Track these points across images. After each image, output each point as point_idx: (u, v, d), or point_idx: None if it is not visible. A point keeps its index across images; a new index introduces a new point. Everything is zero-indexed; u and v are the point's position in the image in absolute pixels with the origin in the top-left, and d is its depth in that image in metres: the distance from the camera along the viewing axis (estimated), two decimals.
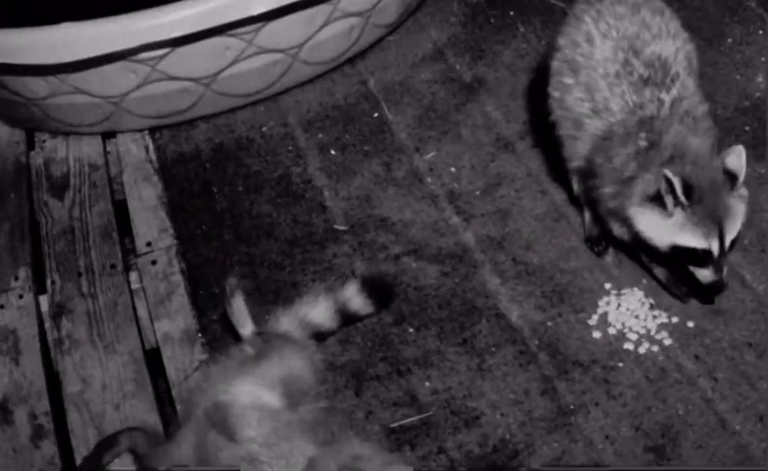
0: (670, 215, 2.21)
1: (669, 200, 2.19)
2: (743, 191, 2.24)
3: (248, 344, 2.23)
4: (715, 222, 2.20)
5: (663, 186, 2.18)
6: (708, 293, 2.36)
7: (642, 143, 2.27)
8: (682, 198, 2.16)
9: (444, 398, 2.30)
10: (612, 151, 2.32)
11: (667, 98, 2.30)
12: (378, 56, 3.35)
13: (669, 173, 2.15)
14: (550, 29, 3.34)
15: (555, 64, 2.51)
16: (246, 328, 2.28)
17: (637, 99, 2.31)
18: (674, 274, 2.42)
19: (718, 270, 2.24)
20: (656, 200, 2.22)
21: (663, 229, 2.23)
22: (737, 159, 2.21)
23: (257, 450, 1.98)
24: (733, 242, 2.25)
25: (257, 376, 2.11)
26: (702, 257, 2.23)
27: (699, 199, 2.18)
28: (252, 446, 1.98)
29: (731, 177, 2.20)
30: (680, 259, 2.28)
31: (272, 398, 2.08)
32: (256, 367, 2.14)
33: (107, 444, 2.25)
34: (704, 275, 2.26)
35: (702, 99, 2.37)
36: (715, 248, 2.22)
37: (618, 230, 2.44)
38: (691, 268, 2.28)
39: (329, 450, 1.99)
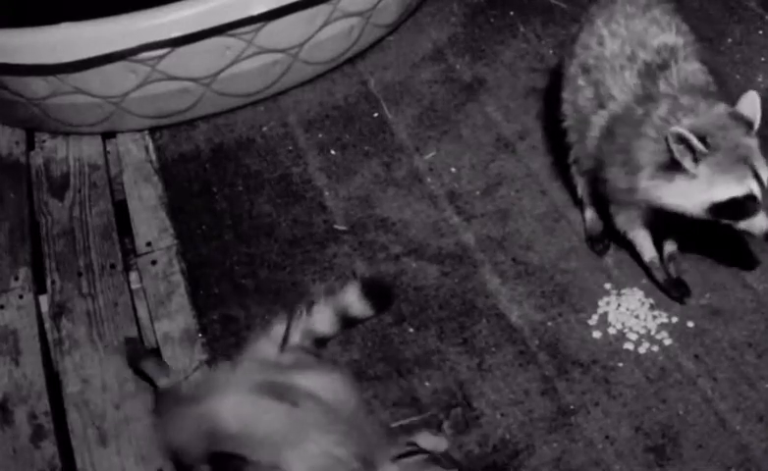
0: (693, 176, 2.10)
1: (687, 161, 2.09)
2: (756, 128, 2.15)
3: (290, 352, 2.25)
4: (745, 164, 2.08)
5: (676, 149, 2.07)
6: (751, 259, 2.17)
7: (638, 116, 2.25)
8: (701, 148, 2.04)
9: (444, 398, 2.30)
10: (616, 131, 2.31)
11: (668, 75, 2.29)
12: (378, 56, 3.35)
13: (680, 130, 2.05)
14: (550, 29, 3.35)
15: (571, 69, 2.51)
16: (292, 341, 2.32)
17: (639, 81, 2.31)
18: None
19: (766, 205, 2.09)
20: (673, 167, 2.12)
21: (693, 192, 2.12)
22: (750, 105, 2.13)
23: (318, 418, 1.99)
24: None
25: (308, 376, 2.14)
26: (746, 205, 2.10)
27: (717, 146, 2.07)
28: (313, 414, 1.99)
29: (746, 123, 2.12)
30: (723, 217, 2.14)
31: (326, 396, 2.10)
32: (302, 371, 2.16)
33: (159, 365, 2.34)
34: (757, 225, 2.11)
35: (707, 75, 2.35)
36: (756, 189, 2.07)
37: (622, 223, 2.42)
38: (740, 225, 2.14)
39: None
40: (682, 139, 2.10)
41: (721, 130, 2.13)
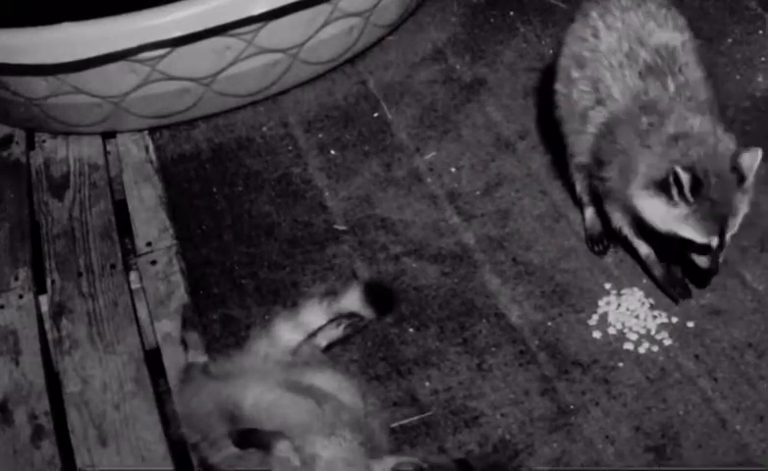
0: (675, 205, 2.19)
1: (675, 192, 2.17)
2: (747, 183, 2.23)
3: (302, 351, 2.26)
4: (718, 220, 2.20)
5: (671, 177, 2.15)
6: (703, 277, 2.36)
7: (644, 126, 2.27)
8: (689, 196, 2.15)
9: (444, 398, 2.30)
10: (617, 131, 2.32)
11: (672, 84, 2.30)
12: (378, 56, 3.35)
13: (680, 170, 2.13)
14: (550, 29, 3.35)
15: (563, 60, 2.52)
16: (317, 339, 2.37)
17: (641, 84, 2.32)
18: (670, 260, 2.45)
19: (714, 259, 2.26)
20: (661, 188, 2.20)
21: (666, 217, 2.23)
22: (750, 159, 2.19)
23: (341, 418, 2.01)
24: (731, 236, 2.26)
25: (324, 377, 2.16)
26: (701, 248, 2.25)
27: (706, 195, 2.16)
28: (337, 414, 2.02)
29: (739, 174, 2.19)
30: (678, 244, 2.29)
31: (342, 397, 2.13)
32: (318, 371, 2.18)
33: None
34: (701, 261, 2.29)
35: (709, 88, 2.36)
36: (714, 243, 2.23)
37: (618, 220, 2.44)
38: (689, 253, 2.30)
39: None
40: (678, 181, 2.16)
41: (717, 177, 2.18)
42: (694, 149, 2.19)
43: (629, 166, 2.28)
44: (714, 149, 2.20)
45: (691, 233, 2.22)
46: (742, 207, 2.23)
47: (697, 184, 2.15)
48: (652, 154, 2.24)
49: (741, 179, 2.20)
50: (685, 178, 2.14)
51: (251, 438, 1.99)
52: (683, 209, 2.20)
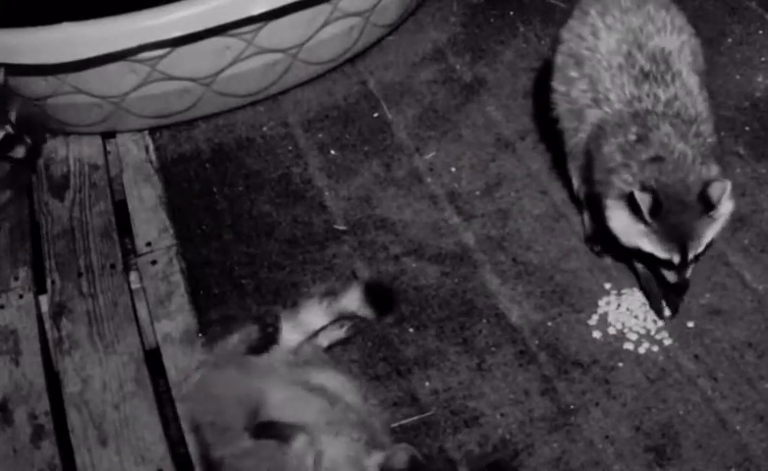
0: (637, 220, 2.23)
1: (645, 210, 2.20)
2: (724, 208, 2.23)
3: (305, 350, 2.26)
4: (677, 240, 2.22)
5: (636, 195, 2.19)
6: (674, 291, 2.35)
7: (631, 137, 2.28)
8: (647, 216, 2.18)
9: (444, 398, 2.31)
10: (602, 140, 2.34)
11: (663, 95, 2.31)
12: (378, 56, 3.35)
13: (638, 192, 2.17)
14: (550, 29, 3.35)
15: (560, 58, 2.52)
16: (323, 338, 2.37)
17: (636, 92, 2.32)
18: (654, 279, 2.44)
19: (681, 273, 2.27)
20: (628, 202, 2.23)
21: (630, 230, 2.26)
22: (717, 190, 2.18)
23: (349, 417, 2.02)
24: (697, 256, 2.26)
25: (329, 377, 2.17)
26: (664, 262, 2.26)
27: (666, 216, 2.18)
28: (345, 414, 2.03)
29: (706, 203, 2.19)
30: (644, 260, 2.33)
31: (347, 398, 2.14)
32: (322, 370, 2.19)
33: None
34: (669, 277, 2.29)
35: (703, 99, 2.37)
36: (676, 260, 2.24)
37: (588, 221, 2.52)
38: (657, 267, 2.31)
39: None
40: (639, 200, 2.18)
41: (681, 203, 2.18)
42: (666, 174, 2.20)
43: (606, 177, 2.31)
44: (686, 176, 2.20)
45: (652, 248, 2.24)
46: (707, 234, 2.23)
47: (657, 207, 2.17)
48: (629, 172, 2.26)
49: (709, 207, 2.19)
50: (644, 199, 2.17)
51: (271, 430, 2.00)
52: (644, 226, 2.22)
